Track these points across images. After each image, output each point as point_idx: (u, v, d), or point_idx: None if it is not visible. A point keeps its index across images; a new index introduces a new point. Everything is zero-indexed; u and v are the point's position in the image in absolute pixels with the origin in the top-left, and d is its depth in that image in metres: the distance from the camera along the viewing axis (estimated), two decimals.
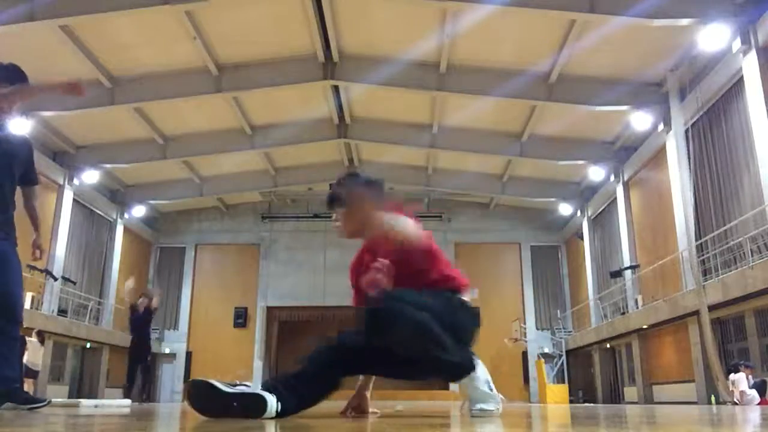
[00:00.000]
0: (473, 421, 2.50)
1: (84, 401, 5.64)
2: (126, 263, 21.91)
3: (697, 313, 13.00)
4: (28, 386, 12.55)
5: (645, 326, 16.02)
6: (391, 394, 20.36)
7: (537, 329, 22.87)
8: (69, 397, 16.59)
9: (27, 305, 15.92)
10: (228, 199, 23.83)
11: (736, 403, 10.83)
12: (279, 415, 2.51)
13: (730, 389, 11.34)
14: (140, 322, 11.56)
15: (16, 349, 3.88)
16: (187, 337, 23.36)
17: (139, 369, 11.38)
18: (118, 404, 6.39)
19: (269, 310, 23.75)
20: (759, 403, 10.59)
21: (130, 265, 22.34)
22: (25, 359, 12.67)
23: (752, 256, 11.32)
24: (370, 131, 18.95)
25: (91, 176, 18.65)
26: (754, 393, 10.90)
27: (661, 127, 15.17)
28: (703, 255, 13.31)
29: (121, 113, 16.38)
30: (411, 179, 21.78)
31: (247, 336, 23.24)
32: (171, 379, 23.15)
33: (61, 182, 18.06)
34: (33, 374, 12.92)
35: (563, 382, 20.71)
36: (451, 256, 23.92)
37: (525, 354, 22.39)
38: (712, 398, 12.79)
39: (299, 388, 2.69)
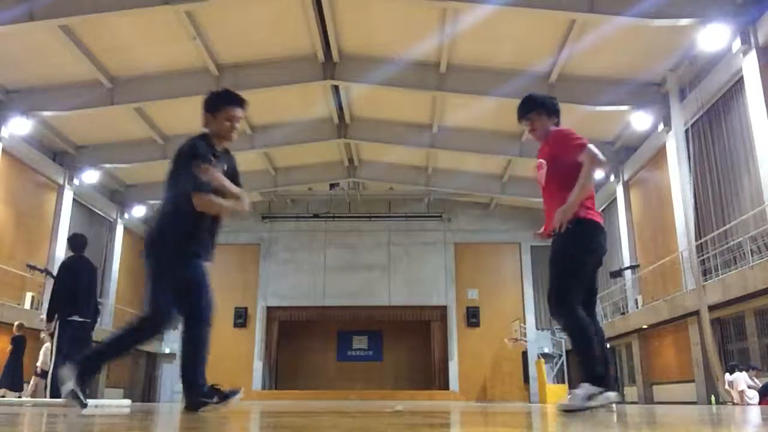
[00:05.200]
0: (473, 421, 2.50)
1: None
2: (126, 263, 21.91)
3: (697, 313, 13.00)
4: (40, 387, 12.44)
5: (645, 326, 16.02)
6: (391, 394, 20.38)
7: (537, 329, 22.86)
8: None
9: (27, 305, 15.93)
10: None
11: (736, 404, 10.83)
12: None
13: (727, 389, 11.35)
14: None
15: None
16: None
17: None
18: (118, 404, 6.39)
19: (269, 310, 23.75)
20: (759, 404, 10.59)
21: (130, 265, 22.34)
22: (40, 361, 12.56)
23: (752, 256, 11.32)
24: (370, 131, 18.94)
25: (91, 176, 18.64)
26: (754, 393, 10.90)
27: (661, 127, 15.17)
28: (703, 255, 13.30)
29: (121, 113, 16.38)
30: (411, 179, 21.77)
31: (247, 336, 23.23)
32: (171, 379, 23.15)
33: (61, 182, 18.05)
34: (46, 375, 12.82)
35: (563, 382, 20.71)
36: (451, 256, 23.96)
37: (525, 354, 22.38)
38: (712, 398, 12.79)
39: None
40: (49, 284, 17.11)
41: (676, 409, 6.15)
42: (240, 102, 4.00)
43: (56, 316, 7.25)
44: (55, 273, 8.38)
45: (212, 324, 3.95)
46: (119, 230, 21.51)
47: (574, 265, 3.75)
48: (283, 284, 23.79)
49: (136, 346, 3.90)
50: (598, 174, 19.38)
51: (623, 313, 17.71)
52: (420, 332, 24.47)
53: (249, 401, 14.19)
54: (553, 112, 4.17)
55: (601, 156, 3.83)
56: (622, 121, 16.40)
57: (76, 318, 7.21)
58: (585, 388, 3.53)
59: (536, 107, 4.17)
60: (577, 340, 3.70)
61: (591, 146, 3.83)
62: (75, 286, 7.27)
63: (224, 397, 3.71)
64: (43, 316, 7.63)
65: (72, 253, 7.62)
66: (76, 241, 7.60)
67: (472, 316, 23.06)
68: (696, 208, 13.70)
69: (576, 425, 2.43)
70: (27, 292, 16.14)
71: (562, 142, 3.93)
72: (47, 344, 12.63)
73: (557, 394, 19.24)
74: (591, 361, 3.63)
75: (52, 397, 6.84)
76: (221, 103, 3.94)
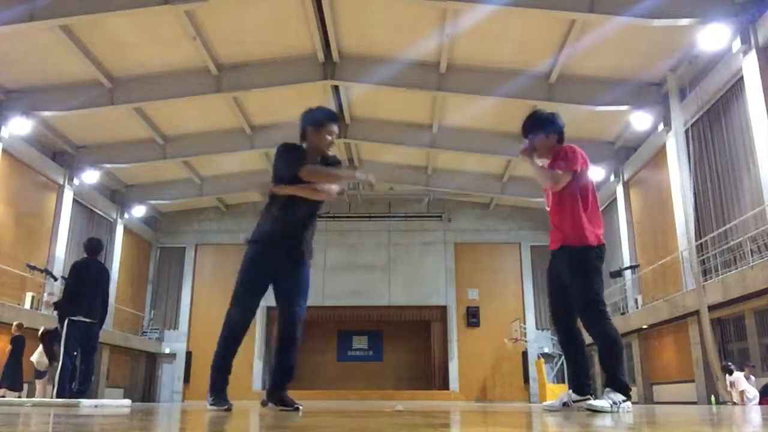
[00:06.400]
0: (473, 421, 2.50)
1: (84, 401, 5.64)
2: (126, 263, 21.92)
3: (697, 313, 13.00)
4: (40, 387, 12.45)
5: (645, 326, 16.02)
6: (391, 394, 20.38)
7: (537, 329, 22.86)
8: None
9: (27, 305, 15.92)
10: (228, 199, 23.83)
11: (736, 404, 10.83)
12: None
13: (729, 389, 11.34)
14: None
15: None
16: (187, 337, 23.36)
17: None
18: (118, 404, 6.40)
19: (269, 310, 23.69)
20: (759, 403, 10.59)
21: (130, 265, 22.35)
22: (33, 359, 12.56)
23: (752, 256, 11.32)
24: (370, 131, 18.94)
25: (91, 176, 18.64)
26: (755, 393, 10.89)
27: (661, 127, 15.17)
28: (703, 255, 13.30)
29: (121, 113, 16.38)
30: (411, 179, 21.78)
31: (247, 336, 22.88)
32: (171, 379, 23.15)
33: (61, 182, 18.05)
34: (40, 375, 12.80)
35: (563, 382, 20.69)
36: (451, 256, 23.97)
37: (525, 354, 22.38)
38: (712, 398, 12.79)
39: None
40: (49, 284, 17.16)
41: (676, 409, 6.15)
42: (338, 119, 4.09)
43: (61, 315, 7.37)
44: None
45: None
46: (119, 230, 21.50)
47: (595, 275, 3.87)
48: None
49: None
50: (599, 175, 19.45)
51: (623, 313, 17.71)
52: (420, 332, 24.47)
53: (249, 401, 14.18)
54: (552, 130, 4.17)
55: (551, 182, 3.97)
56: (622, 121, 16.40)
57: (81, 318, 7.23)
58: (611, 395, 3.56)
59: (534, 128, 4.23)
60: (612, 347, 3.75)
61: (560, 173, 3.92)
62: (81, 286, 7.34)
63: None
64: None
65: (86, 256, 7.68)
66: (90, 245, 7.69)
67: (472, 316, 23.05)
68: (696, 208, 13.69)
69: (576, 426, 2.43)
70: (27, 292, 16.14)
71: (555, 157, 4.02)
72: (41, 345, 12.60)
73: (557, 394, 19.18)
74: (621, 370, 3.69)
75: (58, 396, 6.84)
76: (325, 119, 4.00)
